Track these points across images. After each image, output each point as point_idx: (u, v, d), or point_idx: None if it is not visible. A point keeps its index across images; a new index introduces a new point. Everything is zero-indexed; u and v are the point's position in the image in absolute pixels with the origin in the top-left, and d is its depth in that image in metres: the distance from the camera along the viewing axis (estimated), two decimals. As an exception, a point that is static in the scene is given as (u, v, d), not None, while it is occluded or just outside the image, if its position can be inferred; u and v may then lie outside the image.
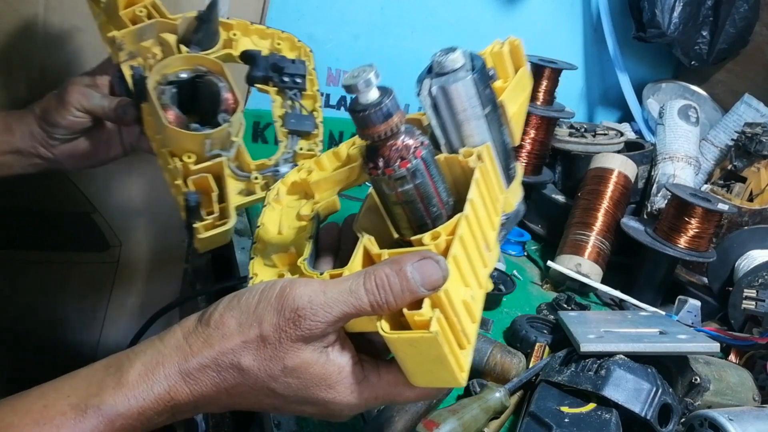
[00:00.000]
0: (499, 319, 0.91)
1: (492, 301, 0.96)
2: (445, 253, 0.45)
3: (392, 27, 1.30)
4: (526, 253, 1.19)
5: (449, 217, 0.48)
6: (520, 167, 0.59)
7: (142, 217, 1.22)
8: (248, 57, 0.85)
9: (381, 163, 0.47)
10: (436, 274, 0.42)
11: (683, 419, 0.70)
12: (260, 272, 0.56)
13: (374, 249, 0.48)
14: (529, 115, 1.18)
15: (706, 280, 1.10)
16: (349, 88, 0.45)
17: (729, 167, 1.20)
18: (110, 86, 0.80)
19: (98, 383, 0.43)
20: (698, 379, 0.74)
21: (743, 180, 1.17)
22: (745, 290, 0.99)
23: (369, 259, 0.49)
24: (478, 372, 0.75)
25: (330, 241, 0.55)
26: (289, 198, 0.63)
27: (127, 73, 0.74)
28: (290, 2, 1.19)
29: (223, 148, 0.74)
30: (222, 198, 0.73)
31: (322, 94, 1.29)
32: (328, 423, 0.64)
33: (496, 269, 0.99)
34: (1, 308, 1.20)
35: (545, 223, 1.24)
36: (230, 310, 0.44)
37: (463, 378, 0.44)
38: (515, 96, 0.56)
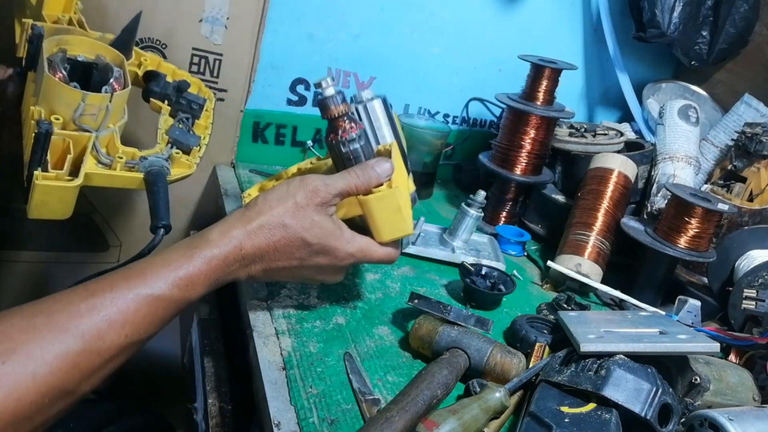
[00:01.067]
0: (499, 319, 0.91)
1: (492, 301, 0.96)
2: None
3: (392, 27, 1.30)
4: (526, 253, 1.19)
5: None
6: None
7: (142, 217, 1.23)
8: (151, 75, 0.88)
9: (339, 132, 0.78)
10: (387, 166, 0.75)
11: (683, 419, 0.70)
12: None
13: None
14: (529, 115, 1.18)
15: (706, 280, 1.10)
16: (317, 85, 0.77)
17: (729, 167, 1.20)
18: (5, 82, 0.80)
19: (192, 244, 0.65)
20: (698, 379, 0.74)
21: (743, 180, 1.17)
22: (745, 290, 0.99)
23: None
24: (478, 372, 0.75)
25: None
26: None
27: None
28: (290, 2, 1.19)
29: (96, 128, 0.73)
30: (76, 169, 0.71)
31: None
32: (329, 423, 0.64)
33: (496, 269, 0.99)
34: (1, 308, 1.20)
35: (545, 223, 1.24)
36: (269, 194, 0.70)
37: (411, 227, 0.77)
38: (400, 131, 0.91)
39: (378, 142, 0.87)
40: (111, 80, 0.76)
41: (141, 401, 1.06)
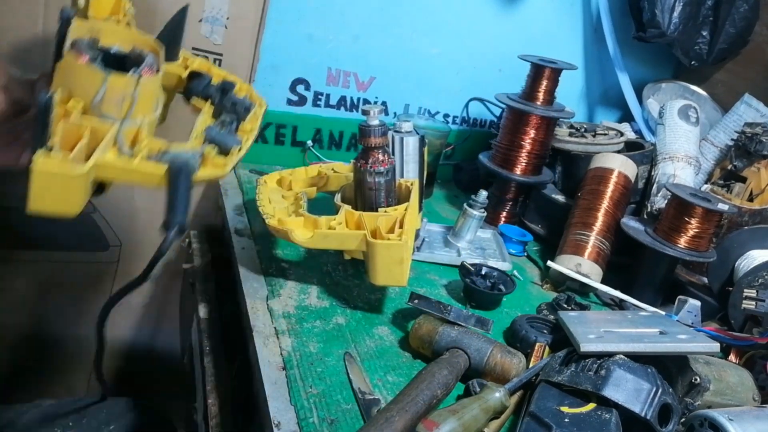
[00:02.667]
0: (499, 319, 0.91)
1: (492, 301, 0.96)
2: (402, 215, 0.81)
3: (392, 27, 1.30)
4: (526, 254, 1.19)
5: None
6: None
7: (142, 217, 1.23)
8: (196, 74, 0.81)
9: (370, 161, 0.82)
10: None
11: (683, 419, 0.70)
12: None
13: (353, 212, 0.83)
14: (529, 115, 1.18)
15: (706, 280, 1.10)
16: (365, 112, 0.80)
17: (729, 167, 1.20)
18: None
19: None
20: (698, 379, 0.74)
21: (743, 180, 1.17)
22: (745, 290, 0.99)
23: (351, 216, 0.83)
24: (478, 372, 0.75)
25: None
26: (272, 184, 1.00)
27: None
28: (290, 2, 1.19)
29: (120, 117, 0.65)
30: (87, 158, 0.62)
31: (321, 94, 1.29)
32: (329, 423, 0.64)
33: (496, 269, 0.99)
34: (1, 307, 1.20)
35: (545, 223, 1.24)
36: None
37: (406, 280, 0.78)
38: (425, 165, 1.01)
39: (402, 175, 0.94)
40: (142, 66, 0.68)
41: (141, 398, 1.06)
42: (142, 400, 1.04)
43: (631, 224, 1.10)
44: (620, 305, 1.04)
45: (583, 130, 1.29)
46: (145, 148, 0.65)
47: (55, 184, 0.60)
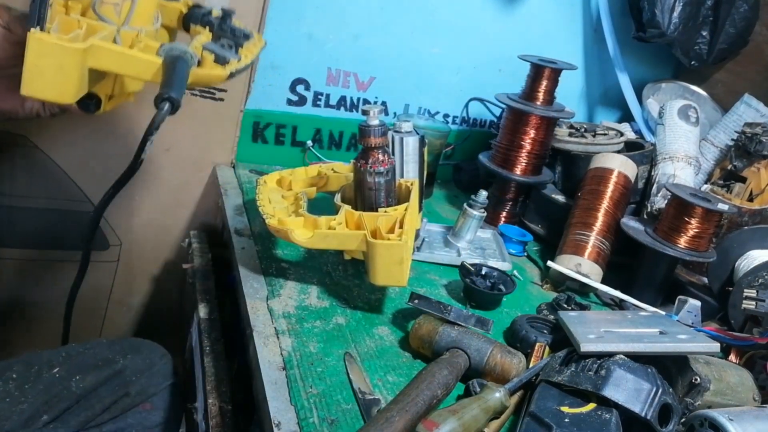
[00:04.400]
0: (499, 319, 0.91)
1: (492, 301, 0.96)
2: (402, 215, 0.81)
3: (392, 27, 1.30)
4: (526, 254, 1.19)
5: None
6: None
7: (142, 217, 1.23)
8: (196, 5, 0.82)
9: (370, 161, 0.82)
10: None
11: (683, 419, 0.70)
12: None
13: (353, 212, 0.83)
14: (529, 115, 1.18)
15: (706, 280, 1.10)
16: (365, 112, 0.81)
17: (729, 167, 1.20)
18: None
19: None
20: (698, 379, 0.74)
21: (743, 180, 1.16)
22: (745, 290, 0.99)
23: (351, 216, 0.83)
24: (478, 372, 0.75)
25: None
26: (272, 185, 0.99)
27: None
28: (290, 2, 1.19)
29: (119, 23, 0.65)
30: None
31: (321, 94, 1.29)
32: (329, 423, 0.64)
33: (496, 269, 0.99)
34: (1, 307, 1.20)
35: (545, 223, 1.24)
36: None
37: (406, 280, 0.78)
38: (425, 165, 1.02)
39: (402, 175, 0.95)
40: None
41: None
42: (112, 340, 0.95)
43: (631, 224, 1.10)
44: (620, 305, 1.04)
45: (583, 130, 1.29)
46: (142, 44, 0.64)
47: (50, 62, 0.57)
